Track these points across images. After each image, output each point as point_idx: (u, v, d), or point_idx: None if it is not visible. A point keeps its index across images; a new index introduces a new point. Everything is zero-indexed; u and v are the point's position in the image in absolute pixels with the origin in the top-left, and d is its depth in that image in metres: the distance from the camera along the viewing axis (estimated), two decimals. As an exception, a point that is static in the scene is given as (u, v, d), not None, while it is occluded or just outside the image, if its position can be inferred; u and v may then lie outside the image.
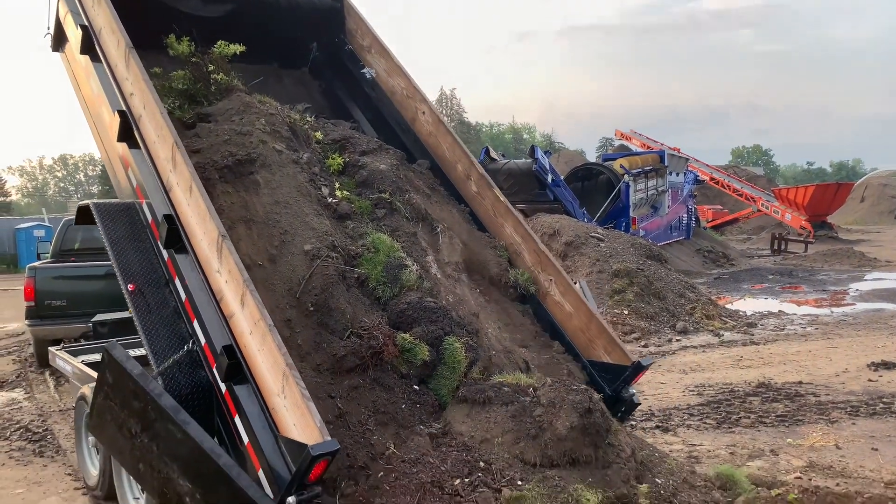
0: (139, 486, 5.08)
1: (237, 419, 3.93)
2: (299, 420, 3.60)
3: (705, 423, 7.80)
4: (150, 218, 4.94)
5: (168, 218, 4.53)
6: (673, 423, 7.83)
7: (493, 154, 20.08)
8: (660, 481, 5.28)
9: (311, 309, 4.88)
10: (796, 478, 5.91)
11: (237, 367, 3.96)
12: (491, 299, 6.31)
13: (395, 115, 7.10)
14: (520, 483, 4.59)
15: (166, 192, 4.64)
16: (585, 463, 4.86)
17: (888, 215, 47.82)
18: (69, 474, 6.91)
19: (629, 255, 15.07)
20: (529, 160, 18.74)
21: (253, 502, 3.43)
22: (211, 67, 5.98)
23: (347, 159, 6.17)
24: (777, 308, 16.16)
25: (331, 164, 5.98)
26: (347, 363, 4.83)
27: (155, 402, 3.66)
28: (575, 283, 6.28)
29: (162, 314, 4.66)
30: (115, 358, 3.83)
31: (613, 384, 5.74)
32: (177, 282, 4.56)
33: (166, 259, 4.67)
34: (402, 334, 5.18)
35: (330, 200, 5.70)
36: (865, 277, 21.48)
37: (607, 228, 18.32)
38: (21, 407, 9.53)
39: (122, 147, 5.22)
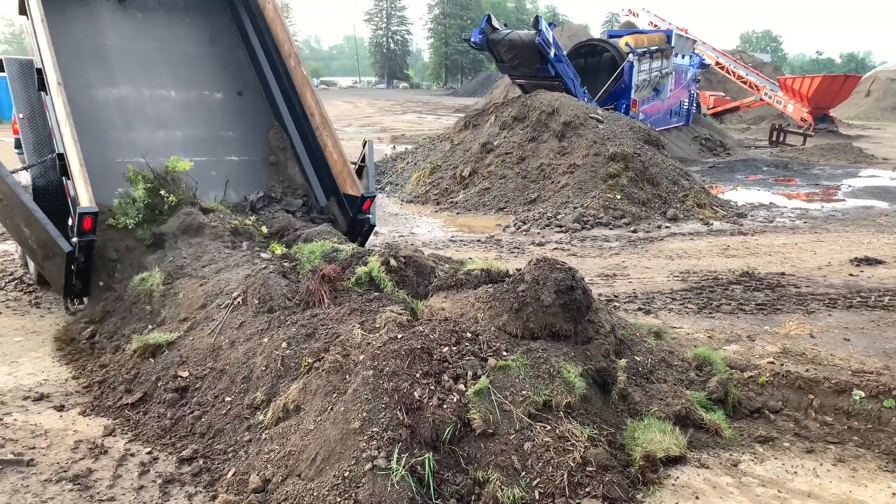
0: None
1: (68, 200, 6.94)
2: (83, 195, 6.64)
3: (687, 307, 8.00)
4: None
5: (38, 70, 7.56)
6: (655, 306, 8.03)
7: (495, 23, 19.29)
8: (639, 359, 5.47)
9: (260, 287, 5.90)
10: (769, 362, 6.13)
11: (64, 167, 7.00)
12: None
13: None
14: (505, 354, 4.74)
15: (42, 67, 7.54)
16: (565, 337, 5.02)
17: (892, 112, 47.08)
18: (66, 325, 7.06)
19: (627, 139, 14.87)
20: (532, 32, 18.05)
21: (50, 235, 6.73)
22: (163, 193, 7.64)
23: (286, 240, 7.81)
24: (768, 200, 16.21)
25: (273, 249, 7.43)
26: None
27: (3, 179, 6.87)
28: (365, 145, 8.83)
29: (39, 135, 8.02)
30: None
31: (352, 210, 8.43)
32: (47, 114, 7.70)
33: (42, 99, 7.80)
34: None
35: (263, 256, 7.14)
36: (860, 174, 21.45)
37: (607, 110, 17.96)
38: (13, 259, 9.60)
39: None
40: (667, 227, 12.62)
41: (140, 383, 5.54)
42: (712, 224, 12.89)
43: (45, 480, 4.38)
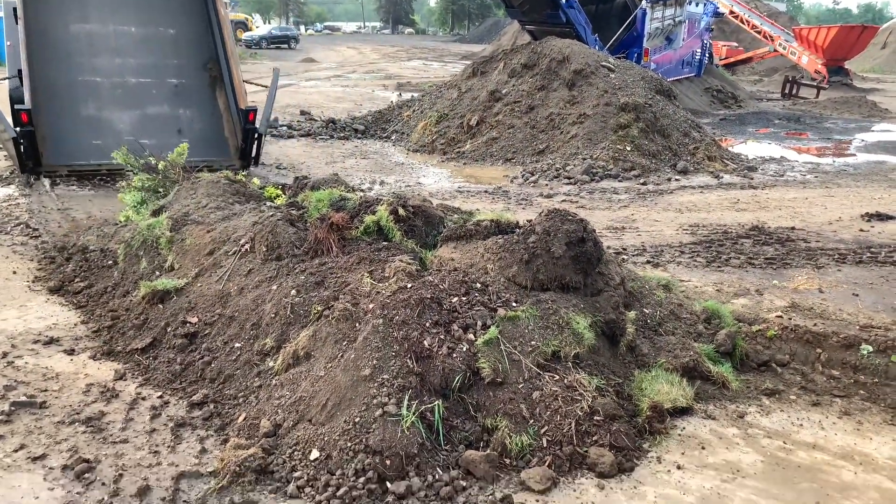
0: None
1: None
2: (26, 98, 9.48)
3: (696, 261, 7.97)
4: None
5: (14, 10, 10.29)
6: (664, 259, 8.00)
7: (506, -32, 18.80)
8: (648, 311, 5.46)
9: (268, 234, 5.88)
10: (777, 316, 6.12)
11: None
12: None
13: None
14: (514, 304, 4.72)
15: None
16: (575, 289, 5.00)
17: (907, 65, 46.13)
18: (72, 270, 7.07)
19: (639, 89, 14.61)
20: (544, -23, 17.59)
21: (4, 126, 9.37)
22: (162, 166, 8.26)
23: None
24: (779, 154, 16.02)
25: (269, 193, 7.78)
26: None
27: None
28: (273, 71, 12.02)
29: (16, 58, 10.12)
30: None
31: (243, 121, 10.67)
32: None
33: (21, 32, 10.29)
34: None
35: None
36: (873, 128, 21.14)
37: (619, 58, 17.61)
38: (18, 203, 9.57)
39: None
40: (676, 179, 12.49)
41: (149, 329, 5.56)
42: (722, 177, 12.76)
43: (58, 422, 4.43)
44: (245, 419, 4.38)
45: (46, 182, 10.50)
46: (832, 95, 27.30)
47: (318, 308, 4.83)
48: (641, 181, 12.23)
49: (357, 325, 4.59)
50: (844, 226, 9.48)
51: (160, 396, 4.79)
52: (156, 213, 7.54)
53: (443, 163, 14.25)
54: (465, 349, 4.41)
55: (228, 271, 5.79)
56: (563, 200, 10.88)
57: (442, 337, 4.44)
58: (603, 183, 12.16)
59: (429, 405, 4.11)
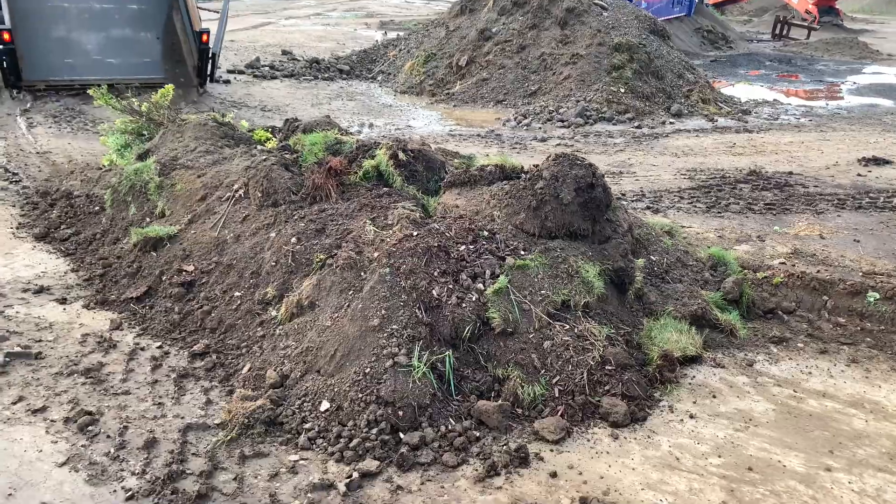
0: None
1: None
2: (6, 18, 10.68)
3: (695, 206, 7.88)
4: None
5: None
6: (663, 204, 7.90)
7: None
8: (654, 259, 5.37)
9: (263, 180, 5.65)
10: (780, 263, 6.07)
11: None
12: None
13: None
14: (523, 253, 4.61)
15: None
16: (583, 237, 4.89)
17: (896, 6, 45.63)
18: (56, 216, 6.83)
19: (632, 29, 14.28)
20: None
21: None
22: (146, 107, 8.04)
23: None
24: (772, 97, 15.85)
25: (258, 136, 7.62)
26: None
27: None
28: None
29: None
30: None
31: (197, 43, 11.75)
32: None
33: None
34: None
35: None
36: (864, 70, 20.97)
37: (610, -3, 17.12)
38: (-3, 146, 9.21)
39: None
40: (671, 123, 12.32)
41: (143, 277, 5.39)
42: (717, 121, 12.60)
43: (56, 373, 4.30)
44: (250, 370, 4.28)
45: (23, 123, 10.10)
46: (823, 36, 26.99)
47: (321, 256, 4.68)
48: (636, 124, 12.04)
49: (362, 274, 4.46)
50: (841, 170, 9.41)
51: (159, 347, 4.66)
52: (141, 156, 7.26)
53: (432, 105, 13.92)
54: (474, 299, 4.30)
55: (223, 218, 5.59)
56: (557, 144, 10.69)
57: (451, 286, 4.32)
58: (597, 126, 11.96)
59: (439, 355, 4.02)
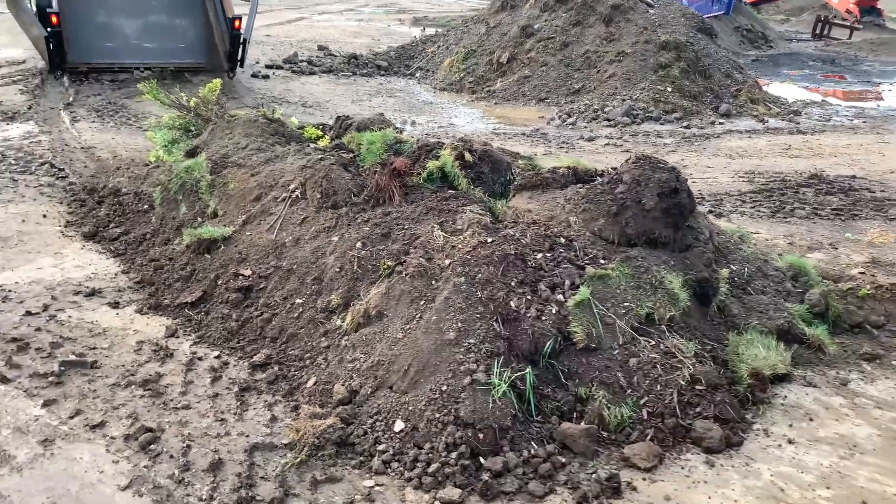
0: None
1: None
2: (54, 3, 11.17)
3: (759, 211, 7.54)
4: None
5: None
6: (725, 208, 7.57)
7: None
8: (734, 268, 5.07)
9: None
10: (860, 273, 5.74)
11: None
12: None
13: None
14: (602, 261, 4.33)
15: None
16: (663, 244, 4.61)
17: (937, 5, 44.35)
18: (105, 215, 6.67)
19: (679, 27, 13.88)
20: None
21: (37, 28, 11.24)
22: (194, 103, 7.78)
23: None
24: (819, 97, 15.35)
25: (309, 134, 7.30)
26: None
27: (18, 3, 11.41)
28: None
29: None
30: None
31: (229, 28, 11.89)
32: None
33: None
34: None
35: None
36: (912, 71, 20.30)
37: (653, -6, 16.70)
38: (39, 141, 9.10)
39: None
40: (720, 123, 11.93)
41: (197, 281, 5.20)
42: (767, 121, 12.18)
43: (113, 385, 4.11)
44: (315, 384, 4.05)
45: (66, 118, 10.01)
46: (866, 36, 26.21)
47: (389, 263, 4.44)
48: (685, 124, 11.67)
49: (433, 282, 4.21)
50: (908, 175, 8.99)
51: (217, 356, 4.45)
52: (190, 153, 7.08)
53: (472, 102, 13.64)
54: (554, 311, 4.04)
55: (279, 219, 5.38)
56: (606, 144, 10.37)
57: (529, 297, 4.07)
58: (644, 126, 11.61)
59: (519, 372, 3.77)
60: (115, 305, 5.07)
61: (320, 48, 18.39)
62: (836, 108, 13.86)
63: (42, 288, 5.26)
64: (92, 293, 5.22)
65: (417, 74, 15.97)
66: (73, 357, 4.33)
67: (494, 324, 3.90)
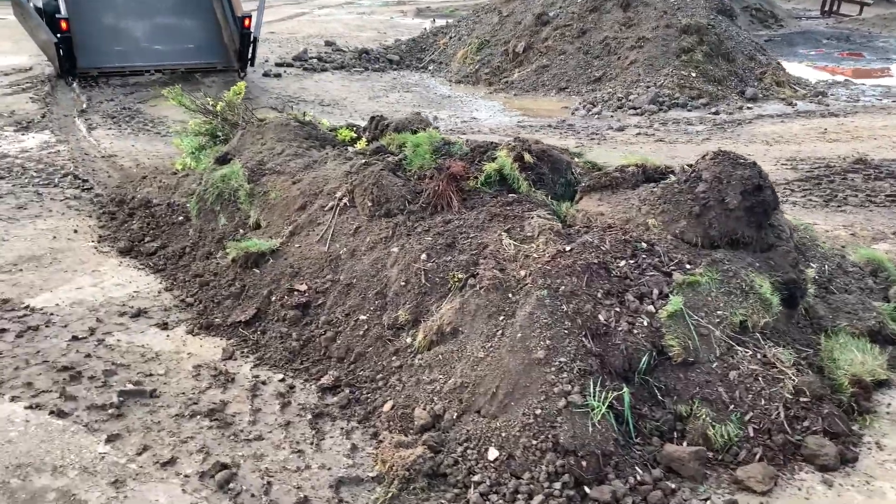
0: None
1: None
2: (62, 8, 11.08)
3: (810, 200, 7.28)
4: None
5: None
6: (776, 198, 7.29)
7: None
8: (814, 266, 4.81)
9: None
10: (934, 265, 5.49)
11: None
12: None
13: None
14: (688, 267, 4.08)
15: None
16: (745, 245, 4.35)
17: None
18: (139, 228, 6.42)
19: (699, 9, 13.54)
20: None
21: (46, 34, 11.14)
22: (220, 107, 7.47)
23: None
24: (842, 77, 15.03)
25: (342, 135, 7.03)
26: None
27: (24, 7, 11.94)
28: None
29: None
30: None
31: (239, 28, 11.70)
32: None
33: None
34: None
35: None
36: (930, 46, 19.96)
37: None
38: (58, 151, 8.82)
39: None
40: (748, 107, 11.64)
41: (249, 297, 4.95)
42: (796, 104, 11.89)
43: (177, 415, 3.87)
44: (393, 408, 3.81)
45: (82, 125, 9.73)
46: (878, 11, 25.83)
47: (459, 275, 4.19)
48: (713, 110, 11.39)
49: (510, 295, 3.97)
50: (954, 156, 8.73)
51: (282, 380, 4.21)
52: (220, 160, 6.81)
53: (491, 94, 13.35)
54: (645, 323, 3.79)
55: (330, 230, 5.13)
56: (637, 133, 10.09)
57: (618, 310, 3.82)
58: (671, 113, 11.33)
59: (615, 392, 3.52)
60: (164, 326, 4.83)
61: (328, 44, 18.08)
62: (861, 88, 13.55)
63: (85, 310, 5.01)
64: (138, 314, 4.98)
65: (430, 67, 15.65)
66: (130, 386, 4.09)
67: (584, 340, 3.66)
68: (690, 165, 4.55)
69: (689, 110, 11.45)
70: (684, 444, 3.54)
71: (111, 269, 5.71)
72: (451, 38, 16.39)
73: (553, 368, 3.53)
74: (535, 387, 3.50)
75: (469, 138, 6.38)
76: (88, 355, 4.44)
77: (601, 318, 3.75)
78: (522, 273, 4.03)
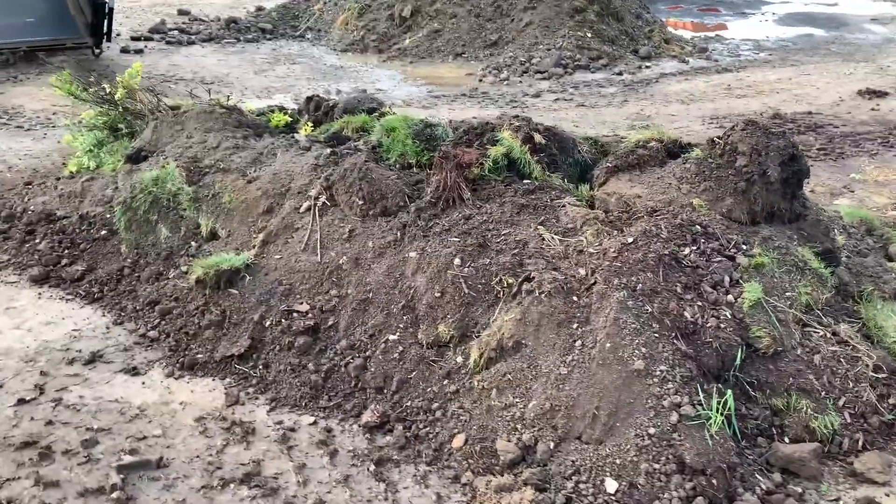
0: None
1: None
2: None
3: (753, 158, 7.38)
4: None
5: None
6: (722, 159, 7.34)
7: None
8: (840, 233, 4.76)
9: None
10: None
11: None
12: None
13: None
14: (745, 247, 3.84)
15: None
16: (778, 216, 4.20)
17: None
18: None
19: (585, -32, 13.50)
20: None
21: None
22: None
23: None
24: (713, 33, 15.70)
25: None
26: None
27: None
28: None
29: None
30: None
31: None
32: None
33: None
34: None
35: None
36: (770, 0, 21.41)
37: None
38: None
39: None
40: (647, 66, 11.79)
41: (234, 325, 4.15)
42: (688, 62, 12.20)
43: (204, 487, 3.12)
44: (467, 442, 3.30)
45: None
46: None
47: (509, 280, 3.69)
48: (615, 71, 11.41)
49: (575, 298, 3.54)
50: (852, 106, 9.25)
51: (313, 423, 3.54)
52: (133, 158, 5.81)
53: (385, 63, 12.62)
54: (728, 316, 3.51)
55: (315, 235, 4.42)
56: (556, 99, 9.87)
57: (700, 304, 3.51)
58: (577, 76, 11.22)
59: (720, 396, 3.22)
60: (134, 371, 3.95)
61: (181, 13, 16.33)
62: (735, 43, 14.19)
63: (18, 362, 4.00)
64: (92, 359, 4.04)
65: (308, 36, 14.58)
66: (128, 458, 3.26)
67: (676, 342, 3.32)
68: (720, 138, 4.30)
69: (593, 72, 11.40)
70: (785, 439, 3.32)
71: (30, 303, 4.64)
72: (326, 3, 15.34)
73: (656, 379, 3.16)
74: (640, 402, 3.12)
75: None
76: (50, 422, 3.52)
77: (687, 315, 3.42)
78: (582, 272, 3.61)
